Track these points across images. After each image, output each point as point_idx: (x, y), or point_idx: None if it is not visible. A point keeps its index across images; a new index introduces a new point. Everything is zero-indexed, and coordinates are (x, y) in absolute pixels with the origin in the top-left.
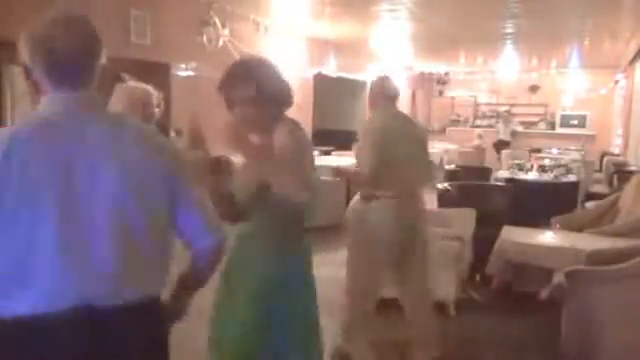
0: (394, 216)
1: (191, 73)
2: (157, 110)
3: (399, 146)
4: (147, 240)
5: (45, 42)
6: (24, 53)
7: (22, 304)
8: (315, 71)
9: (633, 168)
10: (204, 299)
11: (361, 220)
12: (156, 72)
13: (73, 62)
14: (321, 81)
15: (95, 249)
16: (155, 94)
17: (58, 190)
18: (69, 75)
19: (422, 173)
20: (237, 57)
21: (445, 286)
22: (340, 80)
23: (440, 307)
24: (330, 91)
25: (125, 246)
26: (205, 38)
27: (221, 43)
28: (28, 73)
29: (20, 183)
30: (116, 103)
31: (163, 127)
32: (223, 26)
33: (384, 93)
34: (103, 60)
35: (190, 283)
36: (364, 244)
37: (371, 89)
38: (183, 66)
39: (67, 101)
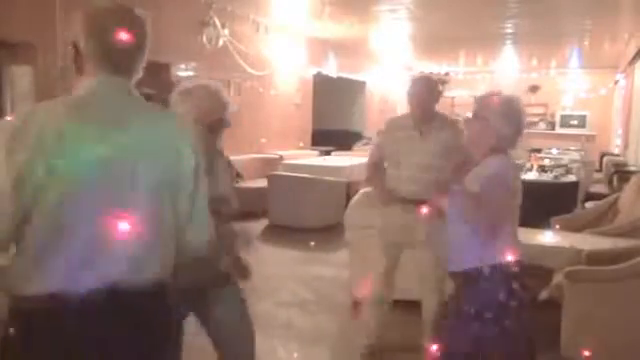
0: None
1: (191, 73)
2: None
3: None
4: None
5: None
6: (79, 34)
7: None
8: (315, 71)
9: (633, 168)
10: None
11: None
12: (156, 72)
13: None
14: (321, 81)
15: None
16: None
17: None
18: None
19: None
20: (237, 57)
21: (445, 287)
22: (340, 80)
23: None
24: (330, 91)
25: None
26: (205, 38)
27: (221, 43)
28: (77, 51)
29: None
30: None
31: None
32: (223, 26)
33: None
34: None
35: None
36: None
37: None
38: (183, 66)
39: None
